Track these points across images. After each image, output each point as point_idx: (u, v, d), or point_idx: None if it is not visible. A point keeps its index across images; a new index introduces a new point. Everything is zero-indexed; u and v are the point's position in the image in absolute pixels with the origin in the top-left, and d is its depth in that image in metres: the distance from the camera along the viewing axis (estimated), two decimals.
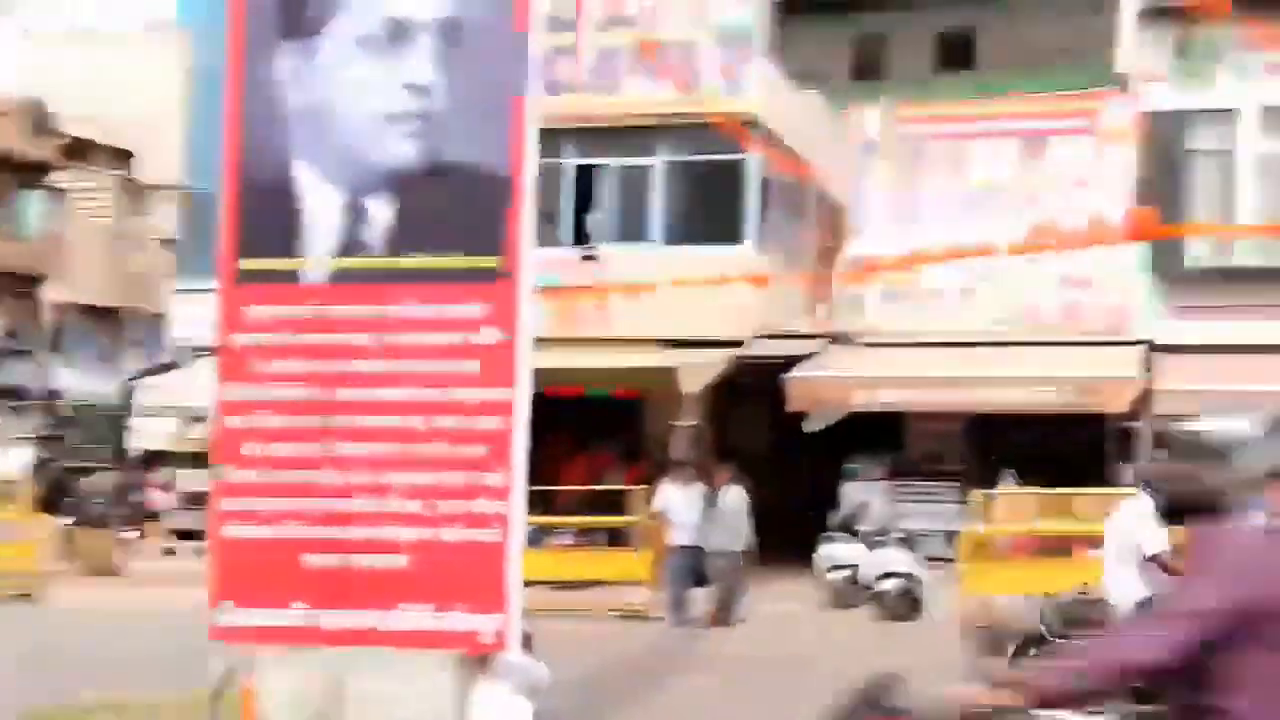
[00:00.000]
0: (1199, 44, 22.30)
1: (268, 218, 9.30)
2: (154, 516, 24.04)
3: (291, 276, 9.34)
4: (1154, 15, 22.52)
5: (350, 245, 9.34)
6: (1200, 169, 22.33)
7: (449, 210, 9.09)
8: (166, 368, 24.63)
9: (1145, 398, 20.45)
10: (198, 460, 22.44)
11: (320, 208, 9.42)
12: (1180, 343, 21.42)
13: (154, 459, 25.20)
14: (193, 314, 23.37)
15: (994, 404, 20.75)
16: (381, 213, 9.39)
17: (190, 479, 22.62)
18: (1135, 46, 23.14)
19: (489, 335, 8.93)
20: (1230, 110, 22.25)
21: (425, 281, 9.19)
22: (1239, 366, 20.75)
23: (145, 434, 25.33)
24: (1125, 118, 22.61)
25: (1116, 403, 20.29)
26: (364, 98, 9.27)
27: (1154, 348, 21.48)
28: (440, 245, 9.12)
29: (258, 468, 9.13)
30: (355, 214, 9.38)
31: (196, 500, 21.01)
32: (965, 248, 18.68)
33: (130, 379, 25.51)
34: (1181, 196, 21.98)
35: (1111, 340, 21.59)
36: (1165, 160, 22.12)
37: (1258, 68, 22.02)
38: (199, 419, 23.47)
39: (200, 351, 22.93)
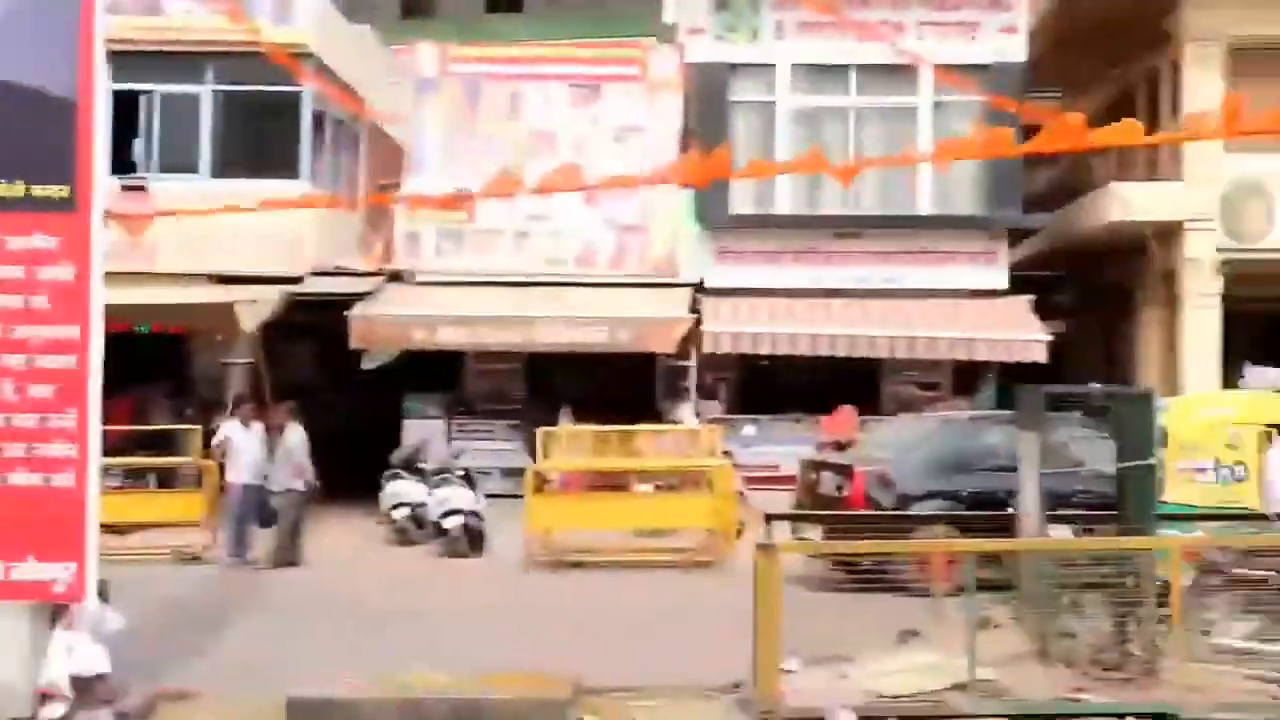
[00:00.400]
0: None
1: None
2: None
3: None
4: None
5: None
6: (742, 120, 23.37)
7: (11, 135, 8.54)
8: None
9: (692, 338, 21.34)
10: None
11: None
12: (724, 285, 22.51)
13: None
14: None
15: (549, 344, 21.17)
16: None
17: None
18: None
19: (59, 270, 8.46)
20: (768, 65, 23.38)
21: None
22: (776, 307, 22.01)
23: None
24: (672, 67, 23.37)
25: (665, 343, 21.09)
26: None
27: (700, 290, 22.45)
28: (2, 172, 8.55)
29: None
30: None
31: None
32: (514, 184, 18.87)
33: None
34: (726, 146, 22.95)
35: (661, 282, 22.41)
36: (710, 111, 23.03)
37: (793, 25, 23.21)
38: None
39: None
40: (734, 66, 23.35)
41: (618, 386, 22.22)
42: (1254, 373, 18.43)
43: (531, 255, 22.65)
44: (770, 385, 22.85)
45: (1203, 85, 22.60)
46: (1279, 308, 23.90)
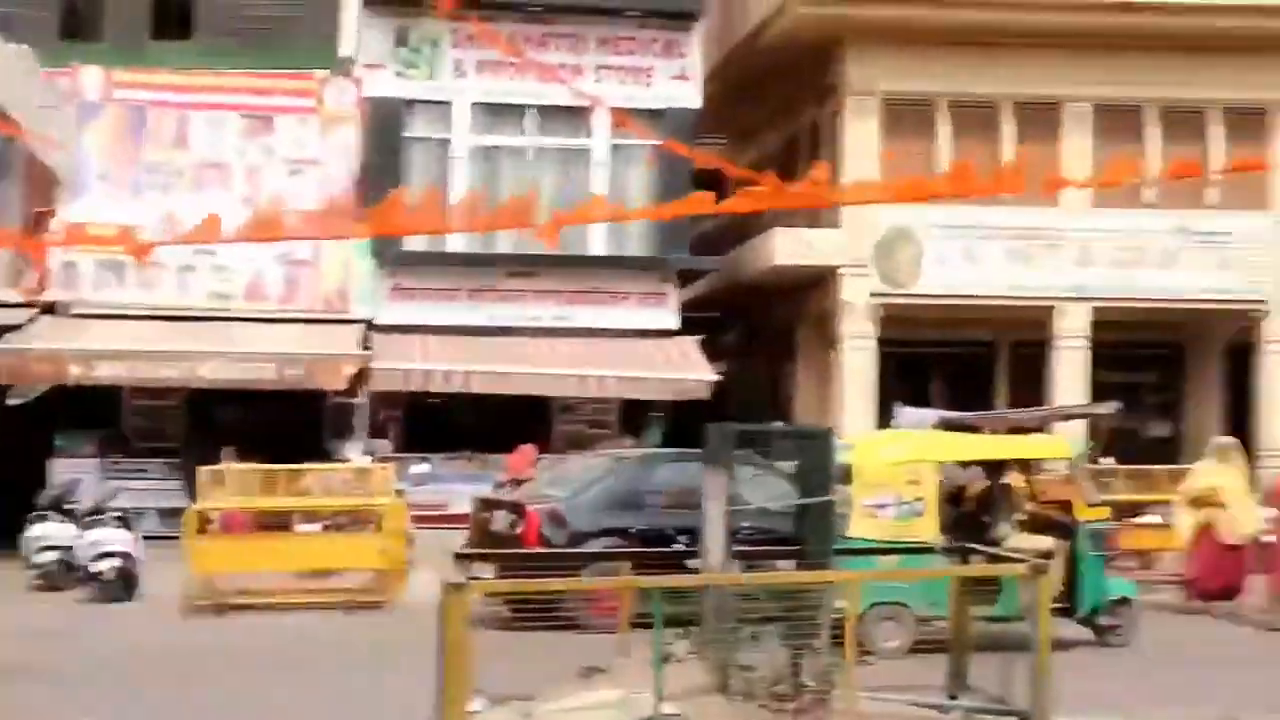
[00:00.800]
0: (419, 35, 23.18)
1: None
2: None
3: None
4: (378, 2, 23.12)
5: None
6: (418, 156, 23.22)
7: None
8: None
9: (363, 376, 21.00)
10: None
11: None
12: (397, 322, 22.26)
13: None
14: None
15: (213, 380, 20.53)
16: None
17: None
18: (359, 32, 23.57)
19: None
20: (446, 102, 23.30)
21: None
22: (449, 345, 21.89)
23: None
24: (348, 100, 23.03)
25: (335, 380, 20.71)
26: None
27: (372, 327, 22.13)
28: None
29: None
30: None
31: None
32: (184, 231, 18.28)
33: None
34: (401, 182, 22.76)
35: (332, 318, 22.01)
36: (386, 146, 22.80)
37: (472, 64, 23.20)
38: None
39: None
40: (411, 102, 23.22)
41: (284, 424, 21.64)
42: (905, 413, 19.23)
43: (197, 289, 21.93)
44: (442, 424, 22.66)
45: (861, 137, 23.65)
46: (927, 350, 25.17)
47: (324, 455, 21.16)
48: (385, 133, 22.93)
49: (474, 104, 23.29)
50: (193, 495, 18.08)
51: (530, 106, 23.31)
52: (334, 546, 16.89)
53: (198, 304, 21.66)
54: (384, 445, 21.74)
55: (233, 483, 17.52)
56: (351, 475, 18.59)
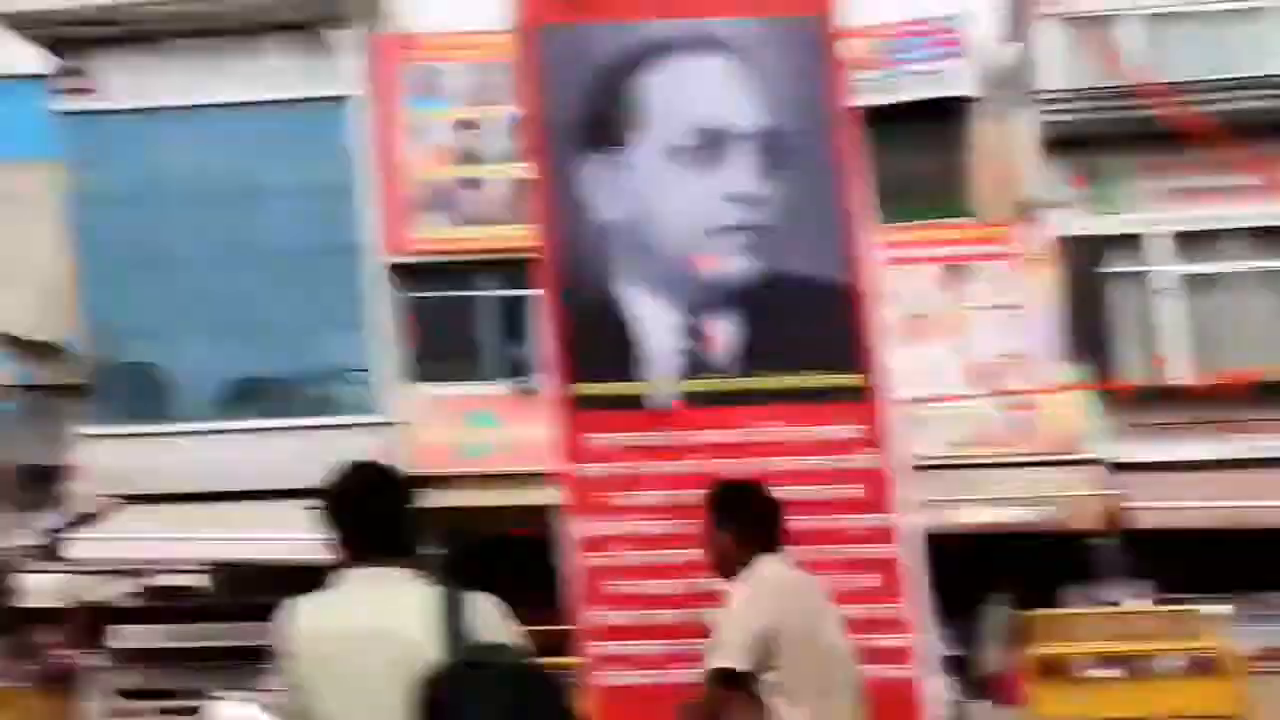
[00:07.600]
0: (1107, 169, 23.25)
1: (599, 340, 8.70)
2: (68, 678, 21.56)
3: (634, 402, 8.73)
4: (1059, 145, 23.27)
5: (694, 365, 8.80)
6: (1118, 292, 23.16)
7: (797, 325, 8.62)
8: (85, 519, 22.47)
9: (1113, 516, 20.81)
10: (130, 615, 20.80)
11: (655, 327, 8.88)
12: (1136, 460, 21.89)
13: (42, 616, 22.72)
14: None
15: (967, 525, 20.79)
16: (723, 331, 8.89)
17: (131, 635, 20.37)
18: (1040, 173, 23.73)
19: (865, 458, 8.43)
20: (1141, 234, 23.16)
21: (786, 402, 8.69)
22: (1197, 481, 21.37)
23: (32, 591, 23.07)
24: (1040, 243, 23.22)
25: (1091, 521, 20.65)
26: (685, 210, 8.81)
27: (1111, 465, 21.95)
28: (794, 363, 8.62)
29: (627, 607, 8.46)
30: (693, 333, 8.86)
31: (142, 657, 19.37)
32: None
33: (53, 531, 23.16)
34: (1103, 319, 22.89)
35: (1068, 459, 21.99)
36: (1084, 285, 22.85)
37: (1165, 193, 22.97)
38: (127, 572, 21.81)
39: (119, 500, 21.60)
40: (1106, 238, 23.11)
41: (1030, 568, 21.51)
42: None
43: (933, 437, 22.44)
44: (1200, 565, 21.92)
45: None
46: None
47: (1062, 600, 20.86)
48: (1082, 272, 22.97)
49: (1176, 234, 23.04)
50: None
51: (1239, 230, 22.88)
52: (1186, 692, 16.58)
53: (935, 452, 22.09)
54: (1143, 587, 21.33)
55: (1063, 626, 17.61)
56: (1163, 618, 18.35)
